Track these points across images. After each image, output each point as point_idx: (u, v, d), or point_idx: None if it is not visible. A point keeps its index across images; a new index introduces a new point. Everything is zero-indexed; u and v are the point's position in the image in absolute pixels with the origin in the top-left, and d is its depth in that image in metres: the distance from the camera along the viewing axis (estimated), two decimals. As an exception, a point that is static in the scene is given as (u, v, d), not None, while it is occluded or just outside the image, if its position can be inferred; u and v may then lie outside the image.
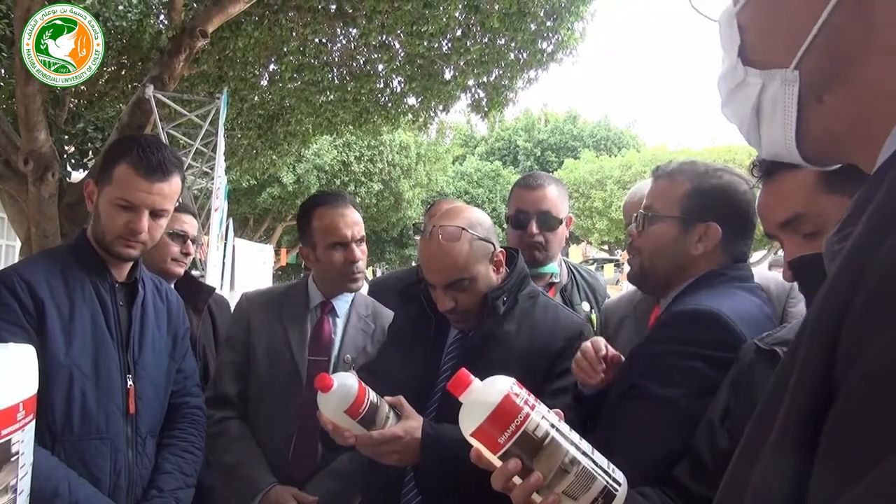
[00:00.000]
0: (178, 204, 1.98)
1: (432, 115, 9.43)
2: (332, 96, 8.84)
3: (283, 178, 18.42)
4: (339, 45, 8.35)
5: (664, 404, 1.24)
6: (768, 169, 1.13)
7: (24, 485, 1.01)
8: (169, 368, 1.93)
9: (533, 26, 7.71)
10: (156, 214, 1.80)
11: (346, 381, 1.45)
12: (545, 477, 0.98)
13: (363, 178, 20.32)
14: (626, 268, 1.83)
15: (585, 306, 2.42)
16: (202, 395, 2.06)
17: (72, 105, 8.35)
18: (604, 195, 24.23)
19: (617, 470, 1.02)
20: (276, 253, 18.36)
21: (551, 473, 0.98)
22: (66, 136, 7.79)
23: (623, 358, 1.55)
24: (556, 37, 7.98)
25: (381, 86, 8.79)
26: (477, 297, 1.73)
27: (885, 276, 0.49)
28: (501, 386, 1.04)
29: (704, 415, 1.19)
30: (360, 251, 2.23)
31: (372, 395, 1.48)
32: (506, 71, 8.38)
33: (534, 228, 2.31)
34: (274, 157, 11.37)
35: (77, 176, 8.57)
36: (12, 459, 0.97)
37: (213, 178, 7.53)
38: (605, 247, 28.18)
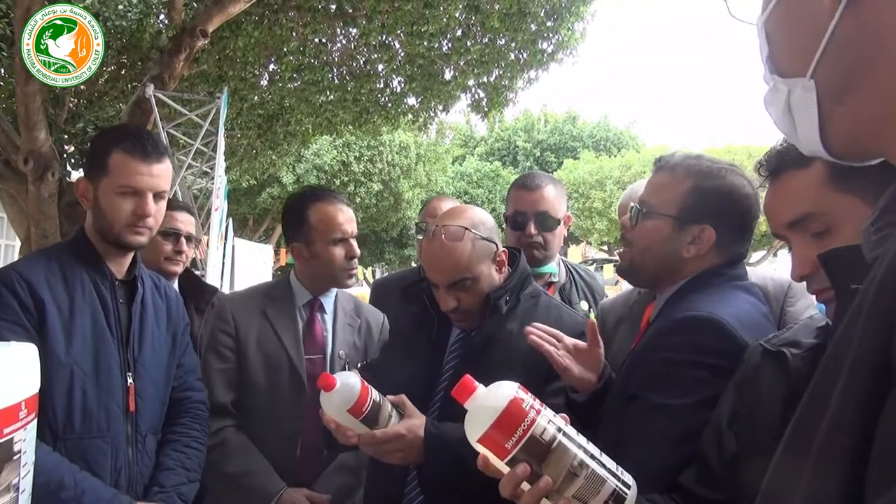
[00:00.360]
0: (178, 202, 1.98)
1: (432, 115, 9.43)
2: (331, 96, 8.83)
3: (283, 179, 18.40)
4: (339, 44, 8.34)
5: (667, 414, 1.23)
6: (775, 168, 1.11)
7: (27, 484, 1.01)
8: (169, 366, 1.91)
9: (533, 26, 7.70)
10: (157, 197, 1.80)
11: (348, 381, 1.44)
12: (554, 481, 0.97)
13: (363, 179, 20.30)
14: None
15: (584, 305, 2.42)
16: (204, 390, 2.04)
17: (72, 105, 8.34)
18: (603, 195, 24.21)
19: (626, 472, 1.02)
20: (276, 253, 18.33)
21: (560, 478, 0.97)
22: (66, 136, 7.78)
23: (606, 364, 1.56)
24: (556, 37, 7.98)
25: (381, 86, 8.78)
26: (479, 297, 1.73)
27: None
28: (506, 391, 1.03)
29: (709, 420, 1.18)
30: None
31: (375, 394, 1.48)
32: (506, 71, 8.38)
33: (532, 229, 2.32)
34: (274, 157, 11.36)
35: (77, 175, 8.55)
36: (14, 458, 0.96)
37: (213, 178, 7.52)
38: (605, 247, 28.14)
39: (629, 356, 1.45)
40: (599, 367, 1.55)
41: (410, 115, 9.35)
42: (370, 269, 27.87)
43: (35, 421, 1.04)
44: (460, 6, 7.04)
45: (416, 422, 1.53)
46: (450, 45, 7.84)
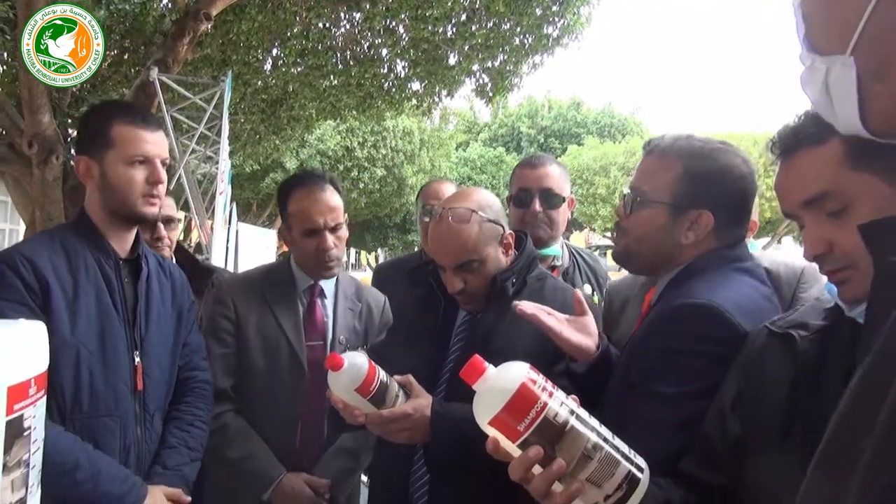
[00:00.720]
0: None
1: (436, 100, 9.38)
2: (335, 81, 8.79)
3: (287, 164, 18.39)
4: (342, 29, 8.29)
5: (666, 403, 1.22)
6: (789, 146, 1.08)
7: (36, 460, 1.02)
8: (175, 344, 1.91)
9: (538, 11, 7.63)
10: (162, 164, 1.79)
11: (356, 360, 1.45)
12: (568, 464, 0.95)
13: (366, 164, 20.28)
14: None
15: (587, 289, 2.41)
16: (209, 370, 2.03)
17: (75, 88, 8.32)
18: (607, 182, 24.14)
19: (638, 455, 1.00)
20: (279, 238, 18.36)
21: (574, 461, 0.95)
22: (70, 120, 7.76)
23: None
24: (561, 21, 7.92)
25: (385, 71, 8.73)
26: (486, 279, 1.72)
27: None
28: (518, 372, 1.00)
29: (711, 405, 1.17)
30: (336, 238, 2.15)
31: (382, 374, 1.48)
32: (511, 56, 8.32)
33: (537, 206, 2.30)
34: (277, 142, 11.34)
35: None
36: (24, 434, 0.97)
37: (216, 163, 7.53)
38: (608, 234, 28.10)
39: (629, 342, 1.44)
40: (594, 335, 1.53)
41: (414, 101, 9.31)
42: (373, 254, 27.91)
43: (44, 398, 1.04)
44: (465, -10, 7.00)
45: (423, 401, 1.53)
46: (454, 29, 7.79)
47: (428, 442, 1.56)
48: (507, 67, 8.54)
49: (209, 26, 6.40)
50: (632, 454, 0.99)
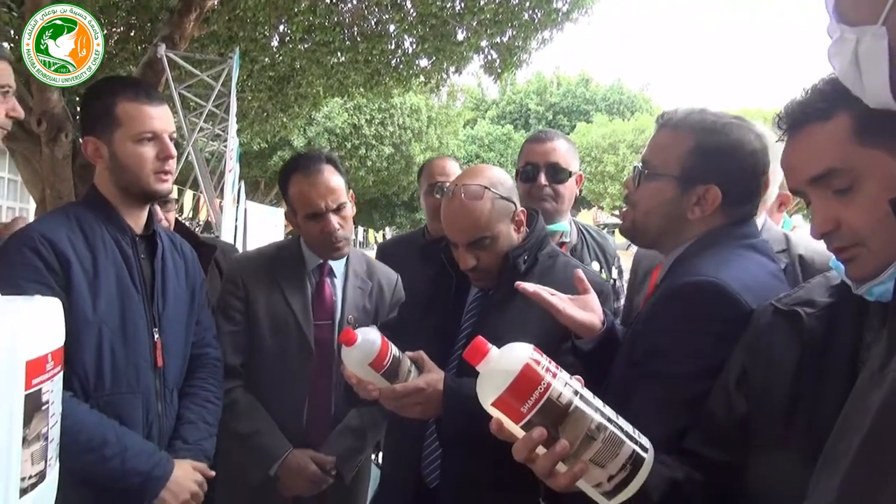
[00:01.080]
0: None
1: (444, 76, 9.32)
2: (343, 58, 8.74)
3: (294, 142, 18.37)
4: (350, 4, 8.22)
5: (669, 381, 1.22)
6: (796, 121, 1.05)
7: (55, 434, 1.03)
8: (189, 321, 1.91)
9: (548, -16, 7.56)
10: (170, 138, 1.78)
11: (369, 336, 1.46)
12: (571, 445, 0.95)
13: (374, 142, 20.24)
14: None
15: (595, 265, 2.41)
16: (220, 347, 2.04)
17: (83, 66, 8.30)
18: (616, 159, 24.03)
19: (643, 435, 1.00)
20: (287, 216, 18.44)
21: (577, 441, 0.95)
22: (78, 97, 7.76)
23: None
24: (571, -5, 7.83)
25: (393, 47, 8.67)
26: (498, 256, 1.72)
27: None
28: (521, 353, 0.99)
29: (717, 383, 1.16)
30: (340, 218, 2.12)
31: (394, 350, 1.49)
32: (519, 31, 8.24)
33: (543, 180, 2.29)
34: (285, 119, 11.31)
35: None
36: (43, 408, 0.98)
37: (225, 141, 7.52)
38: (617, 212, 28.03)
39: (634, 320, 1.43)
40: (598, 312, 1.53)
41: (422, 77, 9.25)
42: (381, 232, 27.94)
43: (61, 373, 1.05)
44: (474, -36, 6.90)
45: (435, 376, 1.54)
46: (462, 4, 7.70)
47: (440, 416, 1.57)
48: (516, 43, 8.45)
49: (216, 2, 6.36)
50: (636, 434, 0.99)
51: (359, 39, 8.45)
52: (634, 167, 1.48)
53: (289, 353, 2.14)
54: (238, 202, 8.59)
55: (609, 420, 0.97)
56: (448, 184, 1.96)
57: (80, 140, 1.82)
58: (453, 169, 2.84)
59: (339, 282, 2.26)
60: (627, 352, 1.36)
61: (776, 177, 1.71)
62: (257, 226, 11.64)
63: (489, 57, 8.82)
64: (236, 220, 8.22)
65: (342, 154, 18.19)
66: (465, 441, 1.55)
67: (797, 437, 0.99)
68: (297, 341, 2.14)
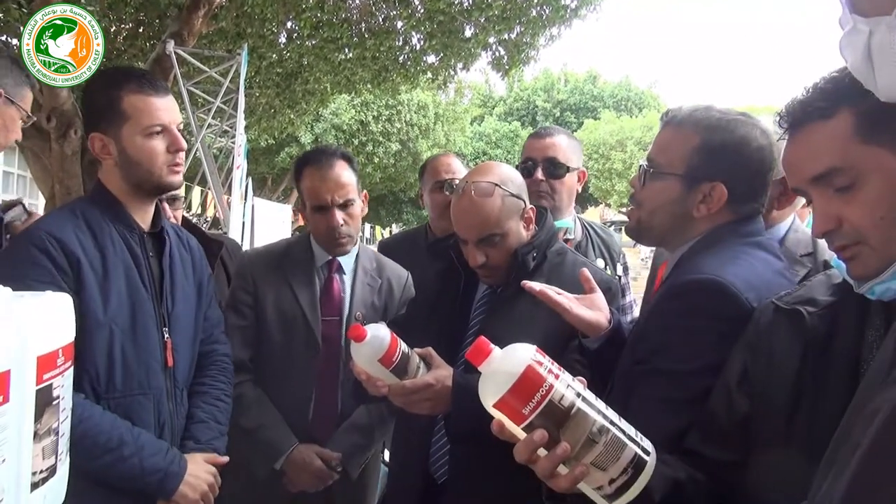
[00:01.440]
0: None
1: (452, 73, 9.30)
2: (350, 54, 8.74)
3: (302, 138, 18.38)
4: (357, 1, 8.21)
5: (671, 379, 1.21)
6: (797, 119, 1.04)
7: (65, 428, 1.04)
8: (197, 318, 1.89)
9: (556, -19, 7.53)
10: (177, 129, 1.76)
11: (378, 332, 1.46)
12: (573, 448, 0.94)
13: (381, 138, 20.23)
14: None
15: (600, 262, 2.40)
16: (228, 343, 2.03)
17: (92, 62, 8.33)
18: (624, 157, 23.96)
19: (645, 438, 0.99)
20: (295, 213, 18.44)
21: (579, 444, 0.94)
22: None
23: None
24: (580, -9, 7.80)
25: (401, 43, 8.66)
26: (507, 253, 1.72)
27: None
28: (523, 354, 0.99)
29: (718, 381, 1.15)
30: (346, 215, 2.13)
31: (403, 346, 1.50)
32: (528, 28, 8.21)
33: (539, 175, 2.28)
34: (292, 116, 11.33)
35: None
36: (54, 403, 0.98)
37: (233, 137, 7.53)
38: (624, 209, 27.95)
39: (639, 318, 1.42)
40: (605, 311, 1.53)
41: (430, 74, 9.24)
42: (388, 229, 27.96)
43: (71, 369, 1.06)
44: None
45: (444, 372, 1.54)
46: (470, 0, 7.68)
47: (449, 413, 1.57)
48: (524, 39, 8.43)
49: (224, -1, 6.37)
50: (639, 437, 0.98)
51: (366, 36, 8.45)
52: (640, 166, 1.47)
53: (296, 348, 2.15)
54: (246, 199, 8.61)
55: (611, 423, 0.97)
56: (456, 181, 1.95)
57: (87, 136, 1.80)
58: (458, 165, 2.83)
59: (347, 278, 2.26)
60: (631, 349, 1.36)
61: None
62: (265, 222, 11.66)
63: (497, 53, 8.81)
64: (244, 216, 8.23)
65: (349, 151, 18.16)
66: (473, 437, 1.55)
67: (799, 436, 0.99)
68: (305, 337, 2.15)
